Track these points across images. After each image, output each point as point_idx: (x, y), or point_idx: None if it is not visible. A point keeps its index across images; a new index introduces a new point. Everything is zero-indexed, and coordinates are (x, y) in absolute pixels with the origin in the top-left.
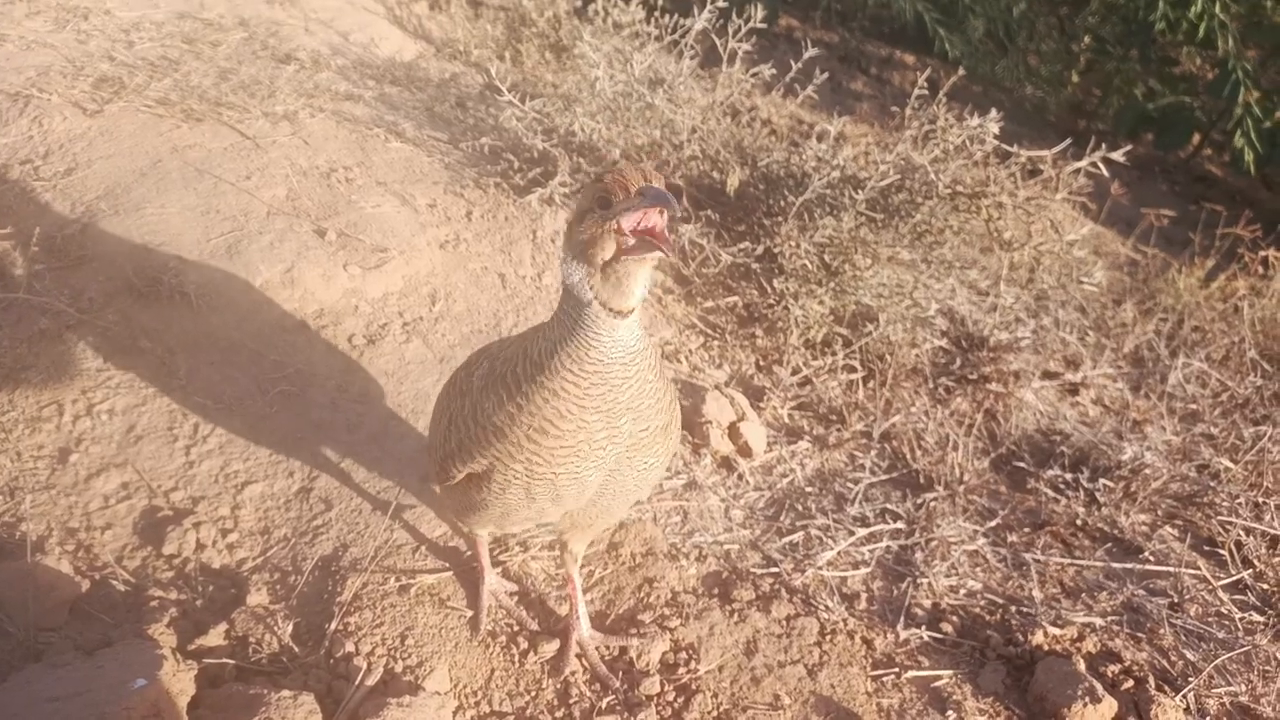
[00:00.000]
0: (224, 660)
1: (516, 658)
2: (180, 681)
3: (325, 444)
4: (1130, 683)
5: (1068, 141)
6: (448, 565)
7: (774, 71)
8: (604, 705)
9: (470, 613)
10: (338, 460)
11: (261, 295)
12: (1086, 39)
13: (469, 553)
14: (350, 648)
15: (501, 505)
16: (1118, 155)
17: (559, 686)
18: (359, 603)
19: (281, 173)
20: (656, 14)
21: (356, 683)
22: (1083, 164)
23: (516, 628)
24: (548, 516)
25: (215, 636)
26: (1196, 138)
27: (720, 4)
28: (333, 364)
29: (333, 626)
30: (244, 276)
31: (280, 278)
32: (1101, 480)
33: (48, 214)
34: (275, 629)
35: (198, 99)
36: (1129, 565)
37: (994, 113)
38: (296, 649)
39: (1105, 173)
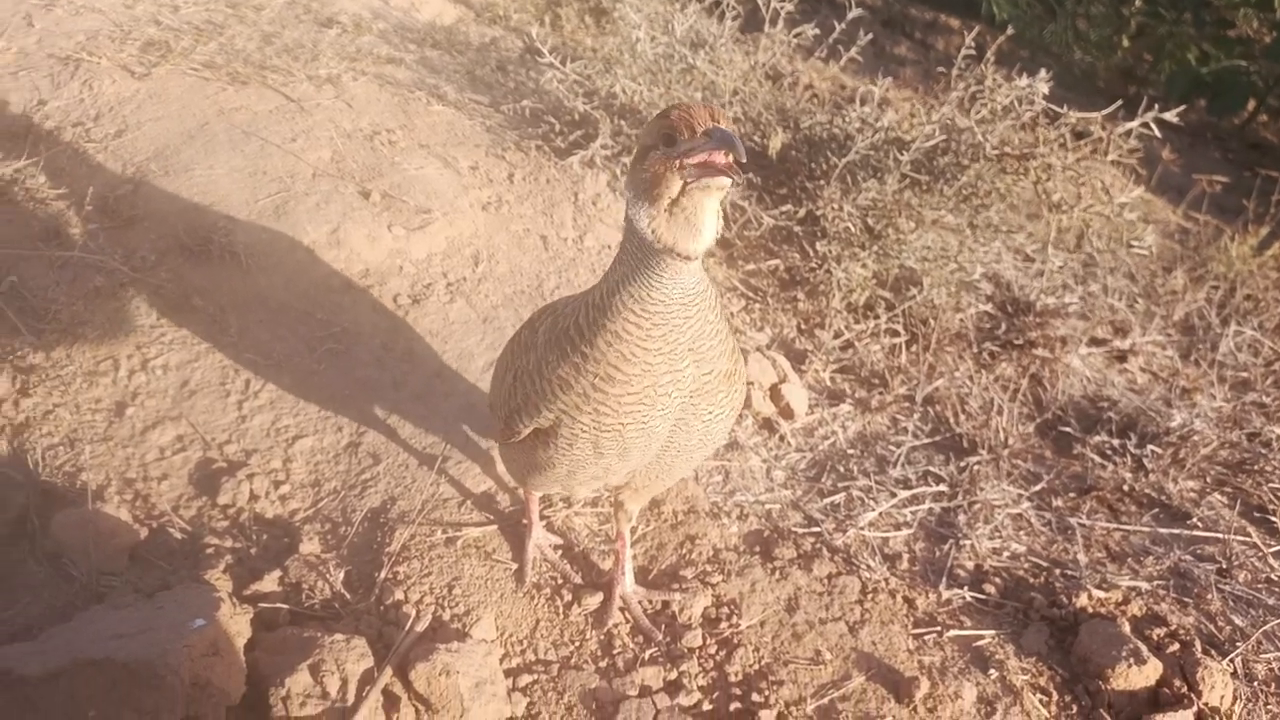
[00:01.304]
0: (278, 605)
1: (560, 609)
2: (237, 623)
3: (372, 400)
4: (1176, 646)
5: (1119, 103)
6: (492, 519)
7: (817, 32)
8: (647, 656)
9: (515, 565)
10: (384, 416)
11: (308, 255)
12: (1138, 2)
13: (513, 507)
14: (399, 595)
15: (568, 463)
16: (1170, 115)
17: (602, 638)
18: (407, 553)
19: (326, 135)
20: None
21: (406, 629)
22: (1134, 124)
23: (560, 581)
24: (613, 475)
25: (270, 582)
26: (1252, 103)
27: None
28: (378, 323)
29: (382, 575)
30: (291, 237)
31: (326, 238)
32: (1149, 446)
33: (100, 175)
34: (327, 576)
35: (243, 62)
36: (1176, 531)
37: (1043, 72)
38: (348, 596)
39: (1157, 134)
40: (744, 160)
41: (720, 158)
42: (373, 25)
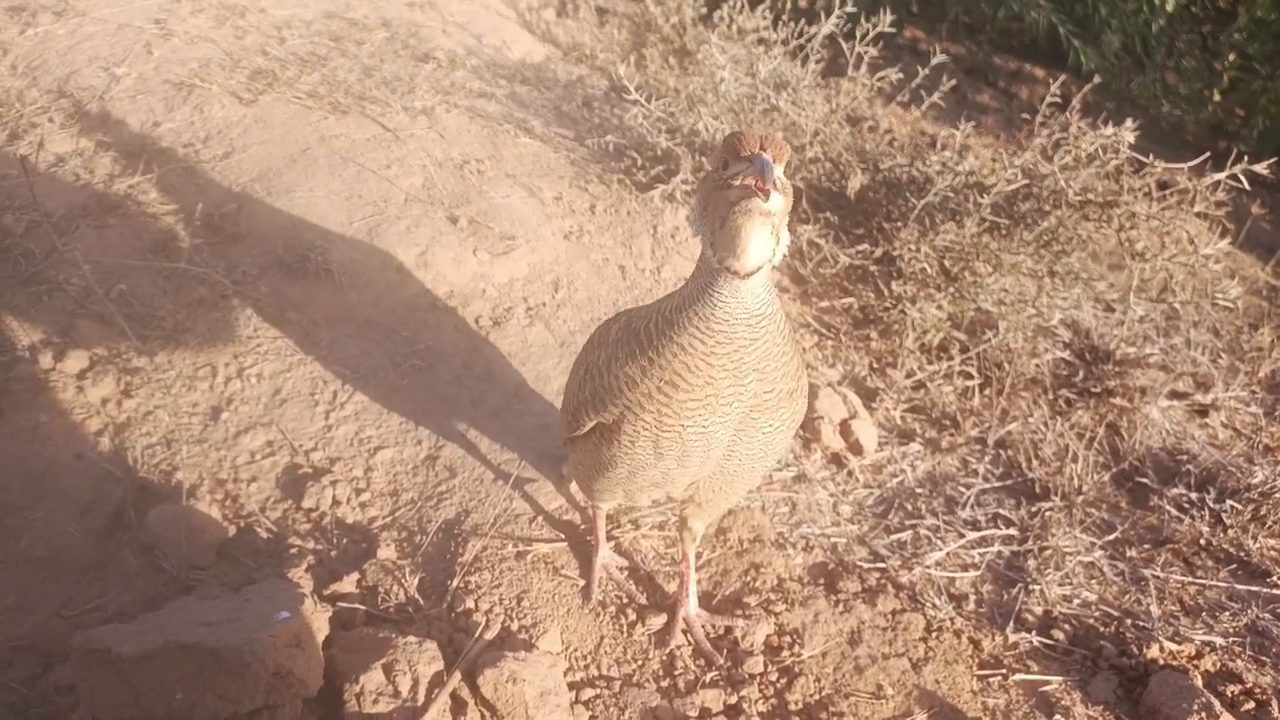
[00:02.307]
0: (355, 606)
1: (625, 628)
2: (317, 620)
3: (451, 416)
4: (1251, 704)
5: (1206, 155)
6: (562, 536)
7: (900, 77)
8: (708, 679)
9: (582, 582)
10: (462, 432)
11: (397, 275)
12: (1231, 57)
13: (583, 526)
14: (470, 604)
15: (629, 462)
16: (1261, 168)
17: (664, 658)
18: (479, 564)
19: (419, 163)
20: (783, 19)
21: (476, 636)
22: (1222, 176)
23: (625, 600)
24: (673, 482)
25: (348, 584)
26: None
27: (849, 9)
28: (460, 343)
29: (454, 584)
30: (382, 257)
31: (415, 260)
32: (1229, 502)
33: (207, 193)
34: (402, 582)
35: (343, 93)
36: (1255, 588)
37: (1129, 122)
38: (421, 601)
39: (1247, 187)
40: (768, 187)
41: (748, 180)
42: (466, 61)
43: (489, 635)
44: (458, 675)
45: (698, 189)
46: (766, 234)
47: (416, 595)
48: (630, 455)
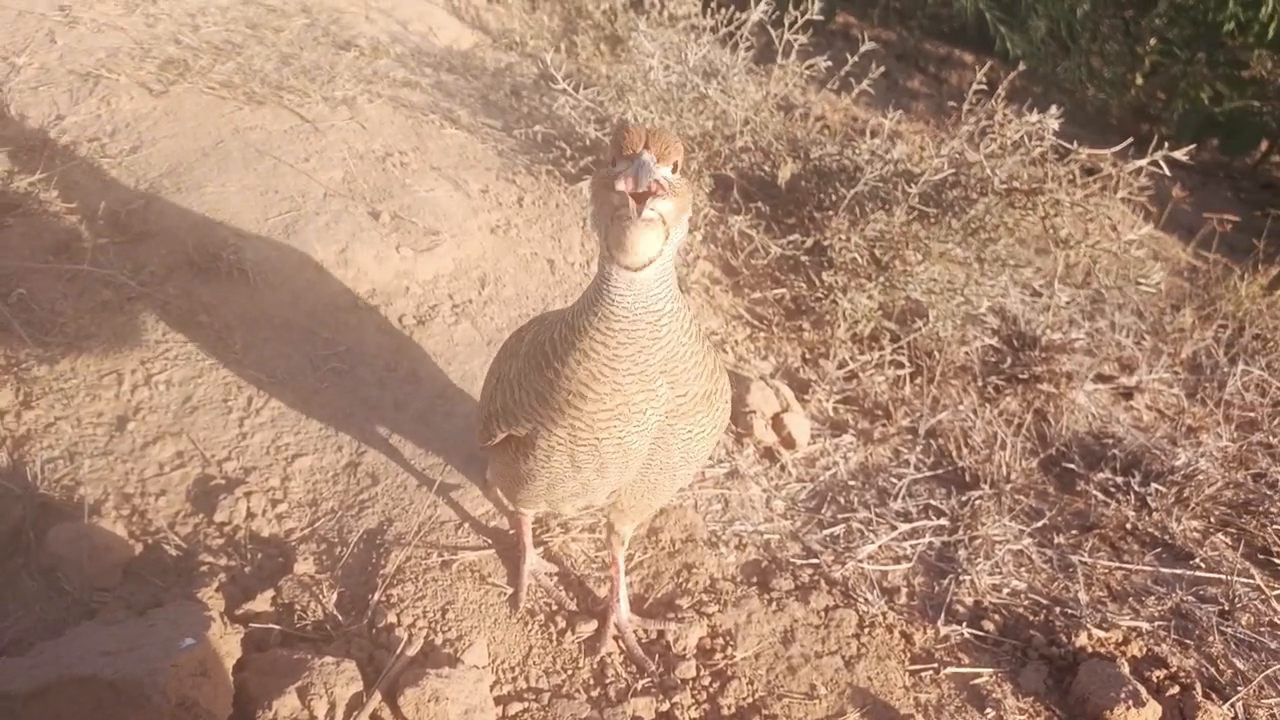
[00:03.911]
0: (270, 626)
1: (554, 636)
2: (227, 643)
3: (373, 421)
4: (1176, 689)
5: (1129, 140)
6: (490, 543)
7: (829, 64)
8: (639, 687)
9: (510, 590)
10: (385, 437)
11: (316, 274)
12: (1152, 41)
13: (511, 532)
14: (392, 619)
15: (547, 476)
16: (1181, 154)
17: (595, 666)
18: (402, 576)
19: (339, 156)
20: (712, 6)
21: (397, 653)
22: (1144, 162)
23: (555, 607)
24: (595, 492)
25: (262, 602)
26: (1265, 144)
27: None
28: (382, 343)
29: (375, 598)
30: (300, 255)
31: (335, 258)
32: (1153, 485)
33: (113, 190)
34: (320, 598)
35: (260, 82)
36: (1179, 571)
37: (1054, 109)
38: (340, 618)
39: (1168, 172)
40: (643, 191)
41: (626, 184)
42: (390, 49)
43: (411, 651)
44: (377, 696)
45: (590, 185)
46: (652, 235)
47: (335, 611)
48: (547, 469)
